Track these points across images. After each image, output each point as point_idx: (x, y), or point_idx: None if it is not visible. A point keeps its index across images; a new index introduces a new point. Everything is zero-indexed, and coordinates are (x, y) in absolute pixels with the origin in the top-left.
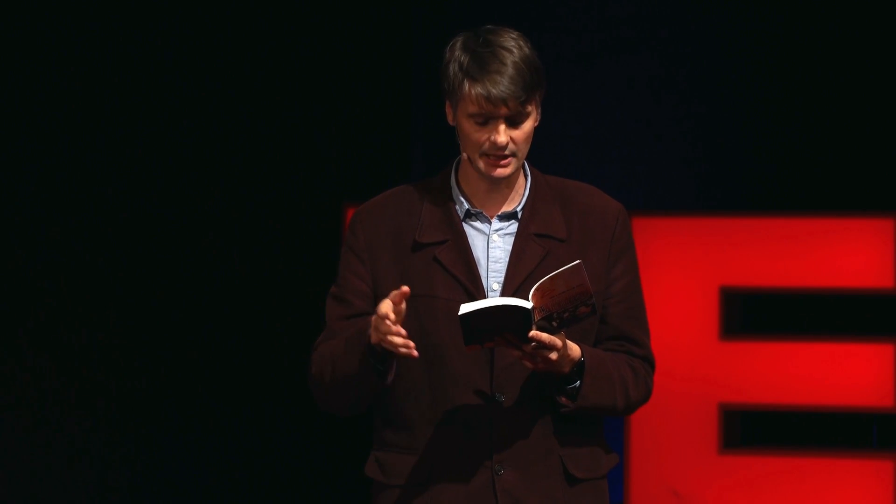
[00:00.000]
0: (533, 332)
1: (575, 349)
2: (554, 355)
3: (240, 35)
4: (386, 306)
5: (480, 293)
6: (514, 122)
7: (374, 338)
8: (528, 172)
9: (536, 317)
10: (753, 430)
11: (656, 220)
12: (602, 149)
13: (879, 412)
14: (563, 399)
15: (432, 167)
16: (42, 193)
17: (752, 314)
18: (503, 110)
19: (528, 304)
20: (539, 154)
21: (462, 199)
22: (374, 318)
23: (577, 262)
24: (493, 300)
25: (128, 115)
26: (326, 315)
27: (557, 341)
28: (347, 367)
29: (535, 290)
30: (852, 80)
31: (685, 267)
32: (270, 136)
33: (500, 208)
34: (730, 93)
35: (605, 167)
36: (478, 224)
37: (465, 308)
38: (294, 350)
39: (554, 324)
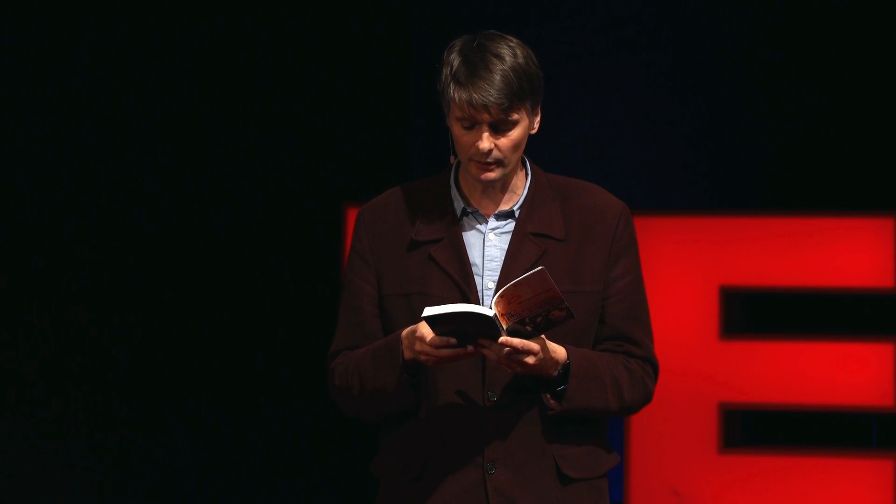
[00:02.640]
0: (503, 339)
1: (560, 352)
2: (531, 359)
3: (239, 35)
4: (427, 331)
5: (474, 291)
6: (499, 130)
7: (407, 354)
8: (529, 171)
9: (506, 323)
10: (753, 430)
11: (656, 220)
12: (602, 148)
13: (879, 412)
14: (551, 401)
15: (432, 167)
16: (42, 193)
17: (752, 314)
18: (486, 117)
19: (490, 312)
20: (539, 154)
21: (459, 198)
22: (409, 336)
23: (540, 268)
24: (457, 306)
25: (128, 116)
26: (339, 321)
27: (533, 346)
28: (379, 382)
29: (499, 297)
30: (852, 80)
31: (685, 266)
32: (270, 136)
33: (497, 207)
34: (730, 93)
35: (606, 167)
36: (475, 223)
37: (429, 311)
38: (296, 349)
39: (528, 328)
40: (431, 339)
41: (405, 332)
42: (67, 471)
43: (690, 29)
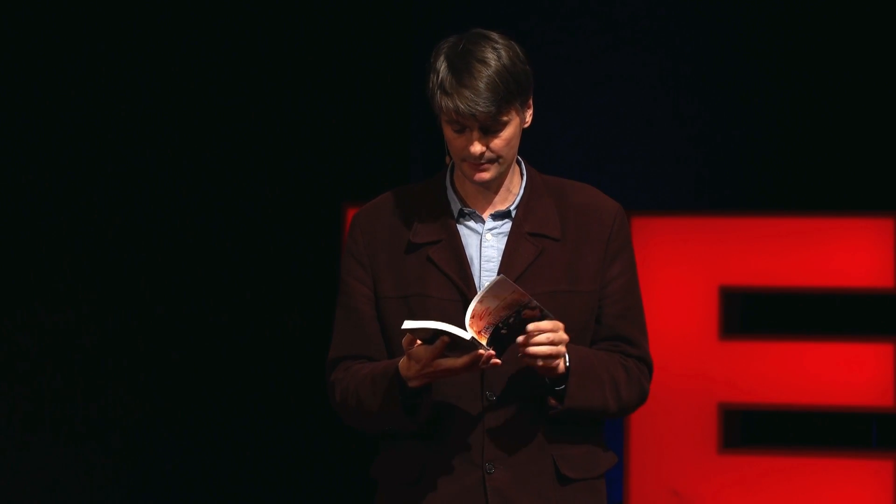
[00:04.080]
0: (531, 326)
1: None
2: (551, 336)
3: (239, 35)
4: (421, 350)
5: (473, 292)
6: (490, 131)
7: (413, 384)
8: (524, 171)
9: (483, 338)
10: (753, 430)
11: (656, 220)
12: (602, 149)
13: (879, 412)
14: (552, 401)
15: (431, 168)
16: (41, 193)
17: (752, 314)
18: (475, 123)
19: (467, 335)
20: (539, 154)
21: (456, 199)
22: (406, 367)
23: (500, 276)
24: (437, 323)
25: (128, 116)
26: (336, 326)
27: (557, 323)
28: (377, 411)
29: (471, 318)
30: (852, 80)
31: (685, 267)
32: (270, 136)
33: (494, 208)
34: (730, 93)
35: (605, 167)
36: (471, 224)
37: (409, 324)
38: (296, 350)
39: (503, 331)
40: (425, 352)
41: (401, 363)
42: (65, 471)
43: (690, 29)
